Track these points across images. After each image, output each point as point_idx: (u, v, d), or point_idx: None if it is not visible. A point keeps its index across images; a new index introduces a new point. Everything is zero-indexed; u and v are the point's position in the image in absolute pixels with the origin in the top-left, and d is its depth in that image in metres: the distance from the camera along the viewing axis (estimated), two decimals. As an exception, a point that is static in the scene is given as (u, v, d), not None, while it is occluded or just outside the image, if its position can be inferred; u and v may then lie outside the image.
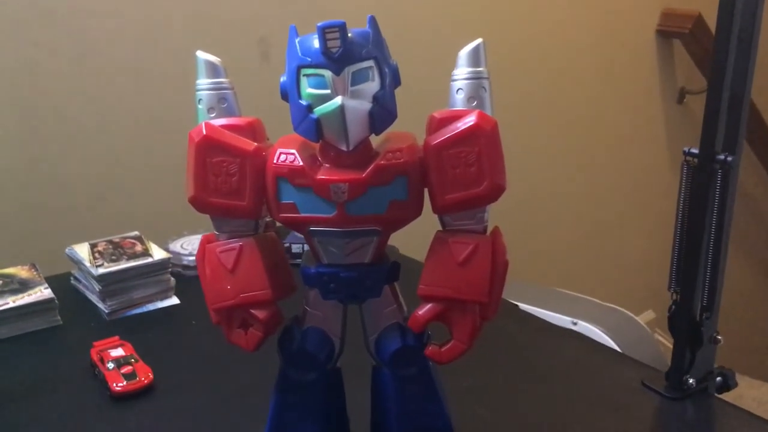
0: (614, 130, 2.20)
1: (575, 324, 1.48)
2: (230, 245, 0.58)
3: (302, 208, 0.56)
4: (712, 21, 2.26)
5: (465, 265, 0.55)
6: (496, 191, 0.54)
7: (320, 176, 0.54)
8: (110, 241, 1.08)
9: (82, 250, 1.06)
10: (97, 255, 1.04)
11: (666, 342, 1.79)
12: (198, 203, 0.57)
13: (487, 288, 0.55)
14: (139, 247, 1.07)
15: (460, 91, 0.56)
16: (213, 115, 0.57)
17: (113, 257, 1.03)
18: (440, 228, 0.58)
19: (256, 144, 0.56)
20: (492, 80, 0.56)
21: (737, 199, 0.70)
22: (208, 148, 0.56)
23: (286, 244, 1.08)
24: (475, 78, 0.55)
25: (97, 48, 1.28)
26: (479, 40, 0.56)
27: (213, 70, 0.58)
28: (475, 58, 0.56)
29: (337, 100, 0.52)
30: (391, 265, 0.59)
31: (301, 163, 0.55)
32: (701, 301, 0.70)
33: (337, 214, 0.55)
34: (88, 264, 1.02)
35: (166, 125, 1.35)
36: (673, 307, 0.73)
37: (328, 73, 0.52)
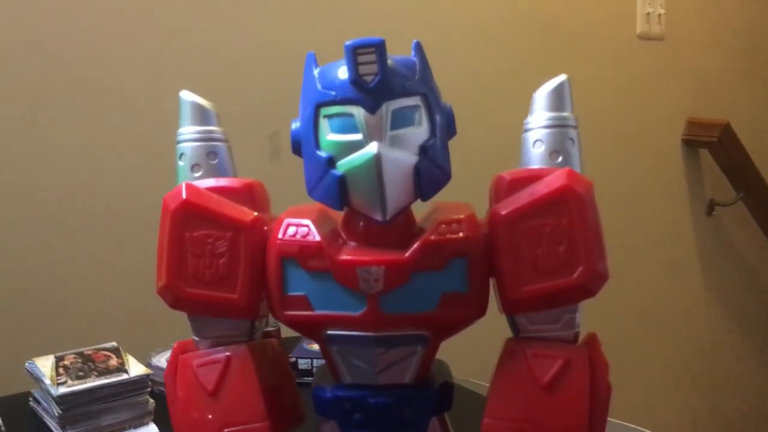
0: (642, 245, 2.06)
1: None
2: (213, 357, 0.42)
3: (317, 303, 0.40)
4: (740, 130, 2.11)
5: (552, 389, 0.39)
6: (595, 281, 0.38)
7: (344, 256, 0.38)
8: (80, 354, 0.91)
9: (45, 365, 0.88)
10: (61, 370, 0.86)
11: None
12: (171, 294, 0.41)
13: (585, 423, 0.38)
14: (114, 361, 0.89)
15: (538, 143, 0.41)
16: (198, 174, 0.42)
17: (80, 373, 0.85)
18: (511, 334, 0.41)
19: (254, 213, 0.41)
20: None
21: None
22: (188, 217, 0.40)
23: (292, 359, 0.89)
24: (560, 126, 0.41)
25: (59, 136, 1.12)
26: (563, 77, 0.42)
27: (201, 115, 0.43)
28: (558, 99, 0.41)
29: (372, 148, 0.37)
30: (441, 387, 0.42)
31: (318, 239, 0.39)
32: None
33: (368, 311, 0.38)
34: (48, 381, 0.84)
35: (151, 209, 1.18)
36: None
37: (359, 111, 0.37)
